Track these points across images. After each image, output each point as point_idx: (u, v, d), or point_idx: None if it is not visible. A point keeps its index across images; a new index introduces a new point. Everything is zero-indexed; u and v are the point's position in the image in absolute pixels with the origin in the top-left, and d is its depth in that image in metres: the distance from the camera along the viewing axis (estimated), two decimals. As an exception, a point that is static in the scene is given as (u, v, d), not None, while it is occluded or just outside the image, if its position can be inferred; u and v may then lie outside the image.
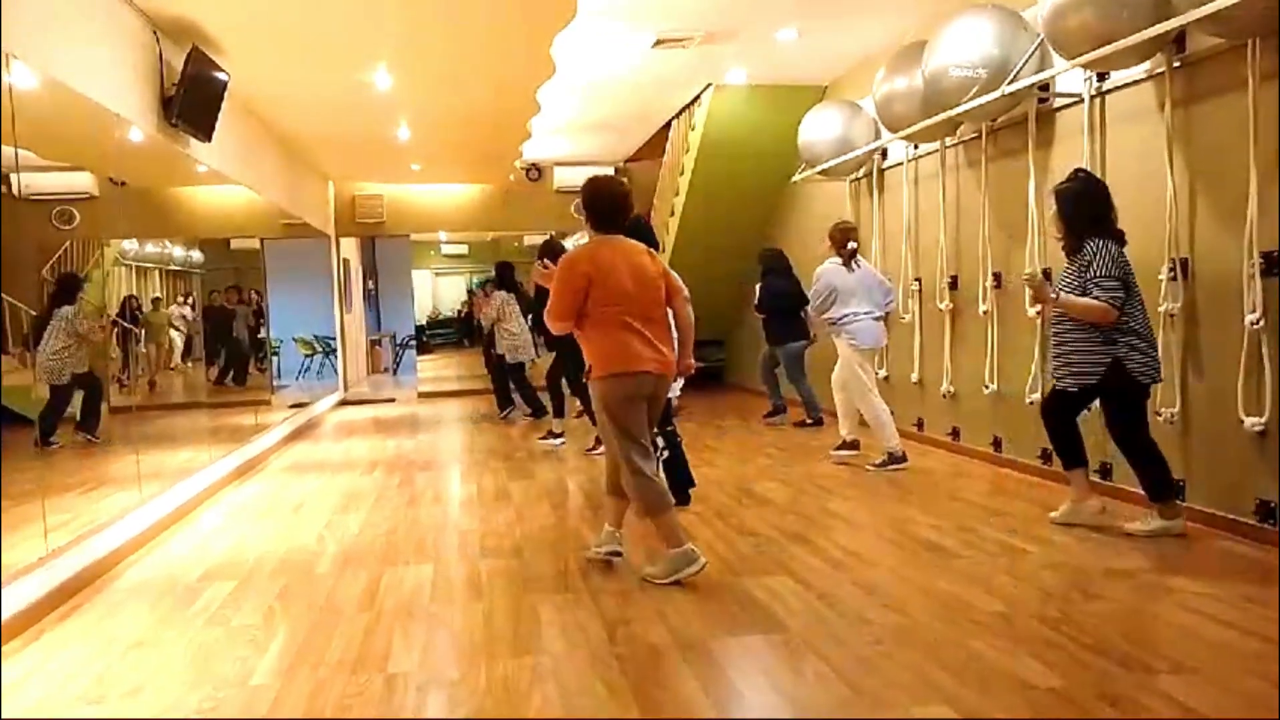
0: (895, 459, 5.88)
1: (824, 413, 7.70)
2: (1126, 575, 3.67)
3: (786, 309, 7.91)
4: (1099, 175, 4.90)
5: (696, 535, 4.50)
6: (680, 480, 5.09)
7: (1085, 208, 4.19)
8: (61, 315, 5.24)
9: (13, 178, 3.92)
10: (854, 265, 6.07)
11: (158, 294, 6.62)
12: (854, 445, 6.22)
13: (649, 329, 3.79)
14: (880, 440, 5.95)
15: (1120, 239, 4.16)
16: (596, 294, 3.72)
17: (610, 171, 12.36)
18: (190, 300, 7.37)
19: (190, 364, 7.50)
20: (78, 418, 4.83)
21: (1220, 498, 4.24)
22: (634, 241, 3.96)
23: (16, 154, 3.79)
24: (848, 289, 6.00)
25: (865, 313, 5.99)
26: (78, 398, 4.78)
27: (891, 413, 6.06)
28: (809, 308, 6.23)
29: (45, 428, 4.76)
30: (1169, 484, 4.21)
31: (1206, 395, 4.31)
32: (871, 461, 5.97)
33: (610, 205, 3.89)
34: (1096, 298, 4.03)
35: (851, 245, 6.08)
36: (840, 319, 6.01)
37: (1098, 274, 4.04)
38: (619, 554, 4.04)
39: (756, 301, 8.19)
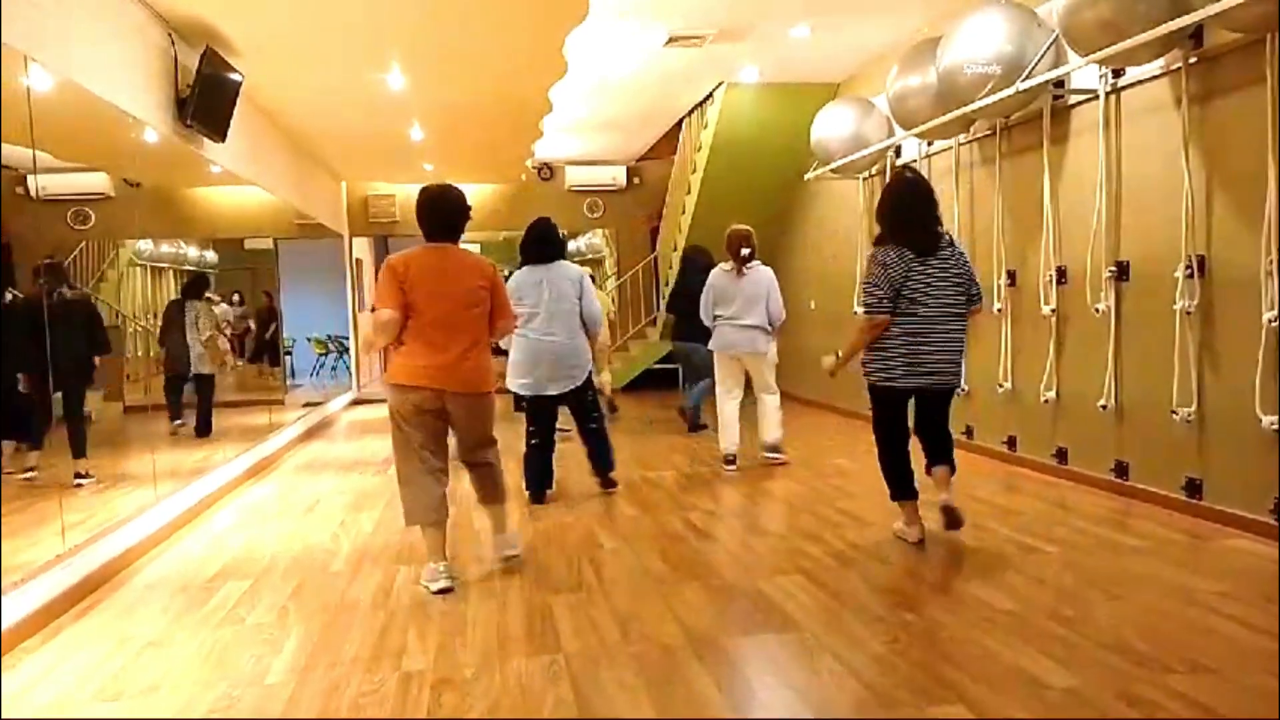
0: (726, 460, 6.15)
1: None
2: (1143, 574, 3.65)
3: (682, 310, 7.54)
4: (1114, 172, 4.89)
5: (711, 533, 4.50)
6: (601, 465, 5.55)
7: (886, 209, 4.17)
8: (195, 309, 5.89)
9: (29, 179, 3.95)
10: (744, 270, 6.02)
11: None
12: (730, 460, 6.15)
13: (451, 344, 3.73)
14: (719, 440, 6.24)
15: (921, 246, 4.01)
16: (408, 300, 3.71)
17: (621, 171, 12.40)
18: (236, 297, 7.53)
19: (241, 363, 7.63)
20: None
21: (1238, 496, 4.21)
22: (465, 252, 3.92)
23: (34, 155, 3.81)
24: (725, 294, 6.04)
25: (729, 318, 6.02)
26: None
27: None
28: (702, 311, 6.24)
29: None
30: (899, 490, 4.22)
31: (1223, 394, 4.27)
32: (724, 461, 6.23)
33: (437, 214, 3.83)
34: (863, 304, 4.14)
35: (744, 251, 6.00)
36: (712, 321, 6.15)
37: (865, 282, 4.13)
38: (516, 556, 4.17)
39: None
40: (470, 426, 3.93)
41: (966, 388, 6.35)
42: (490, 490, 4.11)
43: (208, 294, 6.73)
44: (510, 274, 5.26)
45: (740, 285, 6.01)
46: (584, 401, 5.40)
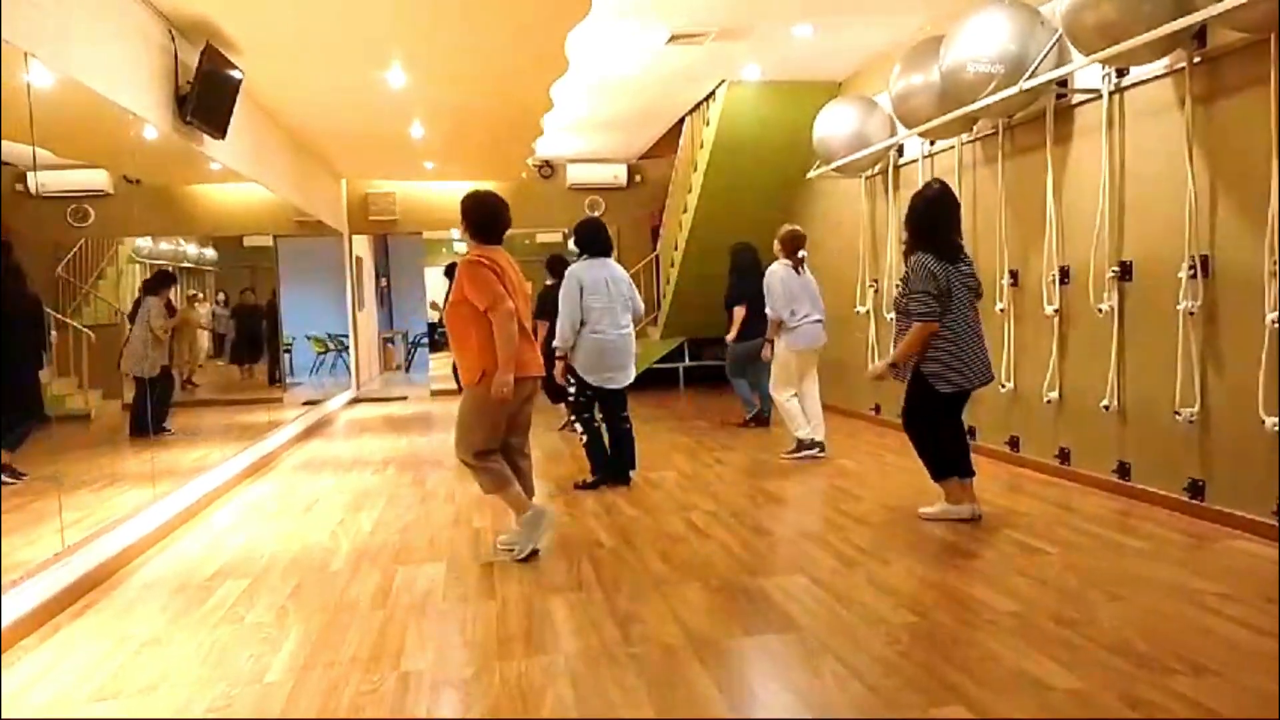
0: (802, 445, 6.39)
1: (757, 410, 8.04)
2: (1144, 575, 3.63)
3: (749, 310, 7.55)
4: (1117, 172, 4.88)
5: (711, 535, 4.49)
6: (625, 462, 5.70)
7: (921, 219, 4.41)
8: (148, 305, 5.62)
9: (29, 176, 3.94)
10: (801, 270, 6.37)
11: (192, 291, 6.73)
12: (811, 445, 6.39)
13: (530, 336, 4.14)
14: (790, 430, 6.48)
15: (950, 253, 4.35)
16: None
17: (623, 169, 12.38)
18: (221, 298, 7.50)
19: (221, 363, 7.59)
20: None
21: (1240, 498, 4.20)
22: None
23: (34, 152, 3.80)
24: (795, 293, 6.31)
25: (805, 315, 6.31)
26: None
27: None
28: (769, 310, 6.41)
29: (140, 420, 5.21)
30: (947, 467, 4.49)
31: (1227, 395, 4.26)
32: (785, 450, 6.49)
33: (490, 218, 4.08)
34: (913, 313, 4.30)
35: (801, 253, 6.37)
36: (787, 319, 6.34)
37: (913, 289, 4.30)
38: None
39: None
40: (529, 411, 4.33)
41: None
42: (531, 484, 4.36)
43: (192, 292, 6.69)
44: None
45: (805, 283, 6.38)
46: (624, 397, 5.66)
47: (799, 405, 6.41)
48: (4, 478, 3.95)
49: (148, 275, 5.87)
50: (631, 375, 5.61)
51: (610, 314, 5.44)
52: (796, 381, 6.42)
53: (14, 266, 4.16)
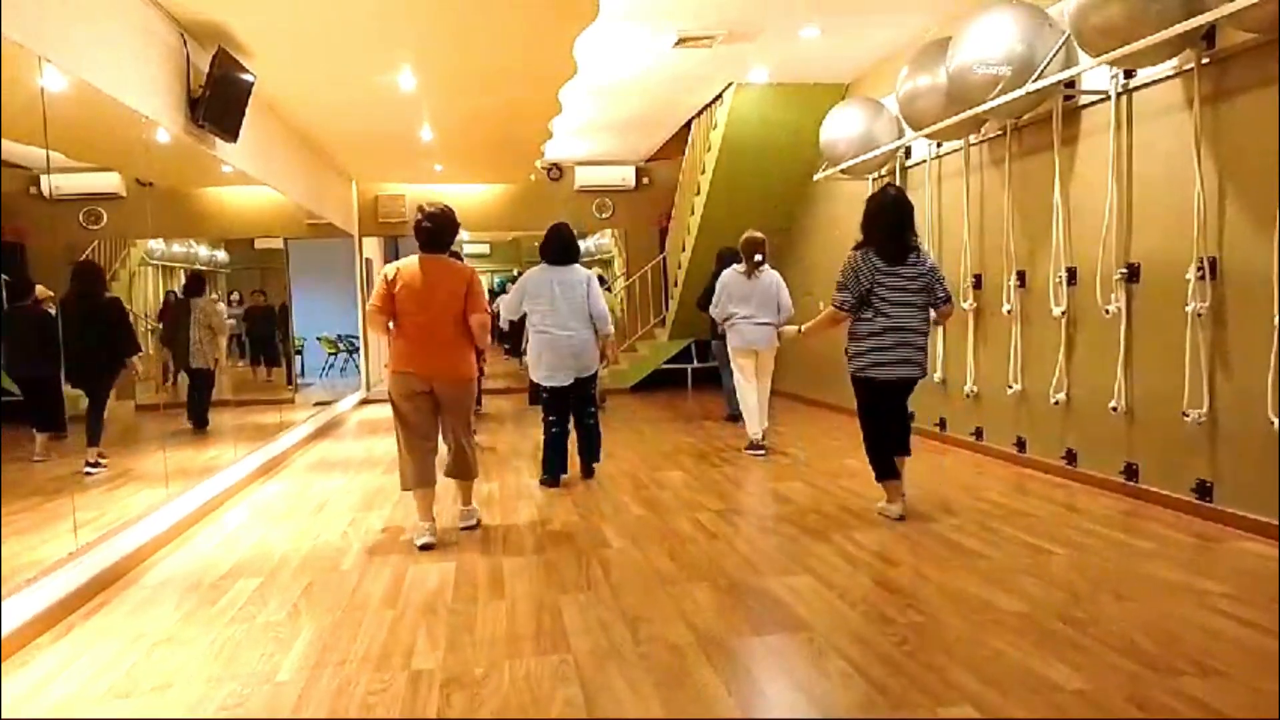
0: (753, 446, 6.76)
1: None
2: (1152, 576, 3.64)
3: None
4: (1125, 173, 4.88)
5: (718, 535, 4.50)
6: (588, 456, 6.05)
7: (866, 220, 4.64)
8: (199, 306, 6.15)
9: (43, 179, 3.98)
10: (756, 274, 6.67)
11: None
12: (755, 446, 6.75)
13: (432, 337, 4.45)
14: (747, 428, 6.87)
15: (890, 254, 4.50)
16: (398, 302, 4.43)
17: (631, 171, 12.41)
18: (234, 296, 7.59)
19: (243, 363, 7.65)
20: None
21: (1248, 499, 4.19)
22: (450, 262, 4.61)
23: (48, 156, 3.84)
24: (740, 294, 6.68)
25: (745, 317, 6.66)
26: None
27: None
28: (712, 308, 6.88)
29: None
30: (882, 471, 4.70)
31: (1235, 396, 4.25)
32: (744, 447, 6.88)
33: (425, 231, 4.54)
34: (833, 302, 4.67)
35: (757, 257, 6.65)
36: (726, 318, 6.75)
37: (839, 279, 4.61)
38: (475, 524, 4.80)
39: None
40: (450, 406, 4.65)
41: (977, 389, 6.35)
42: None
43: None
44: (508, 279, 5.56)
45: (755, 286, 6.65)
46: (587, 394, 5.91)
47: (754, 402, 6.74)
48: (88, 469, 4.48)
49: (185, 280, 6.32)
50: (578, 375, 5.77)
51: (555, 316, 5.69)
52: (748, 378, 6.74)
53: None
